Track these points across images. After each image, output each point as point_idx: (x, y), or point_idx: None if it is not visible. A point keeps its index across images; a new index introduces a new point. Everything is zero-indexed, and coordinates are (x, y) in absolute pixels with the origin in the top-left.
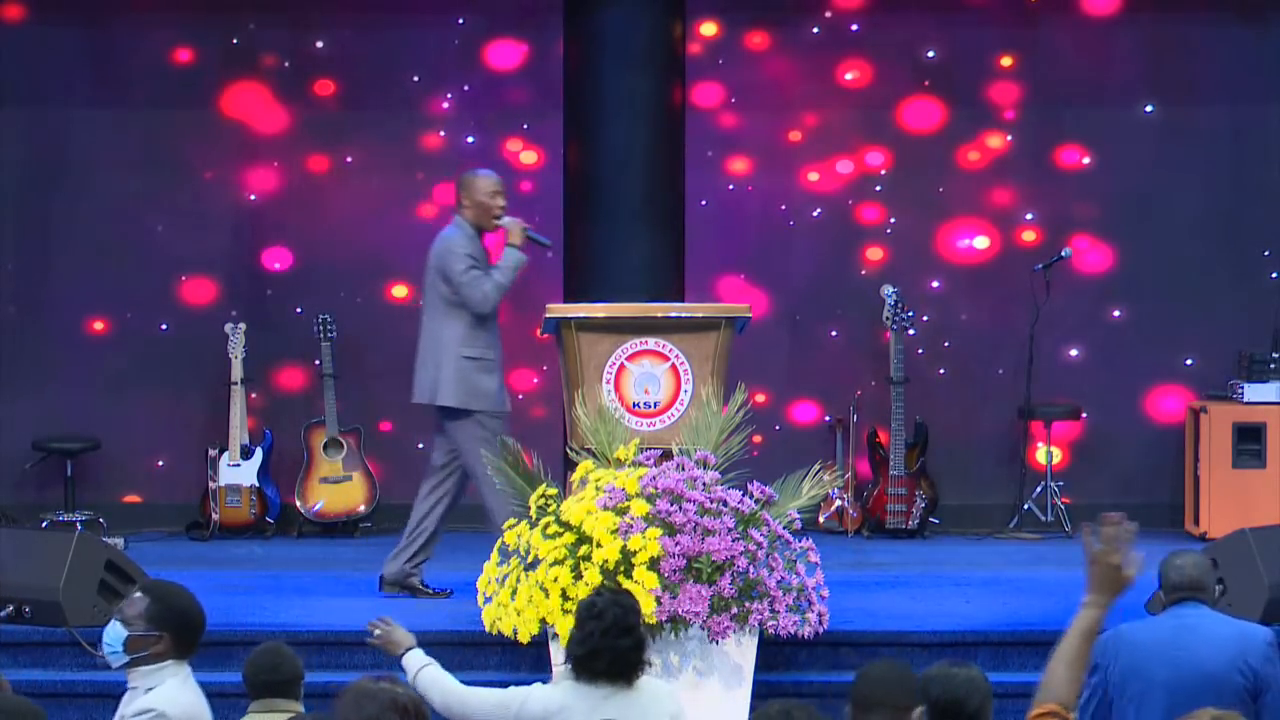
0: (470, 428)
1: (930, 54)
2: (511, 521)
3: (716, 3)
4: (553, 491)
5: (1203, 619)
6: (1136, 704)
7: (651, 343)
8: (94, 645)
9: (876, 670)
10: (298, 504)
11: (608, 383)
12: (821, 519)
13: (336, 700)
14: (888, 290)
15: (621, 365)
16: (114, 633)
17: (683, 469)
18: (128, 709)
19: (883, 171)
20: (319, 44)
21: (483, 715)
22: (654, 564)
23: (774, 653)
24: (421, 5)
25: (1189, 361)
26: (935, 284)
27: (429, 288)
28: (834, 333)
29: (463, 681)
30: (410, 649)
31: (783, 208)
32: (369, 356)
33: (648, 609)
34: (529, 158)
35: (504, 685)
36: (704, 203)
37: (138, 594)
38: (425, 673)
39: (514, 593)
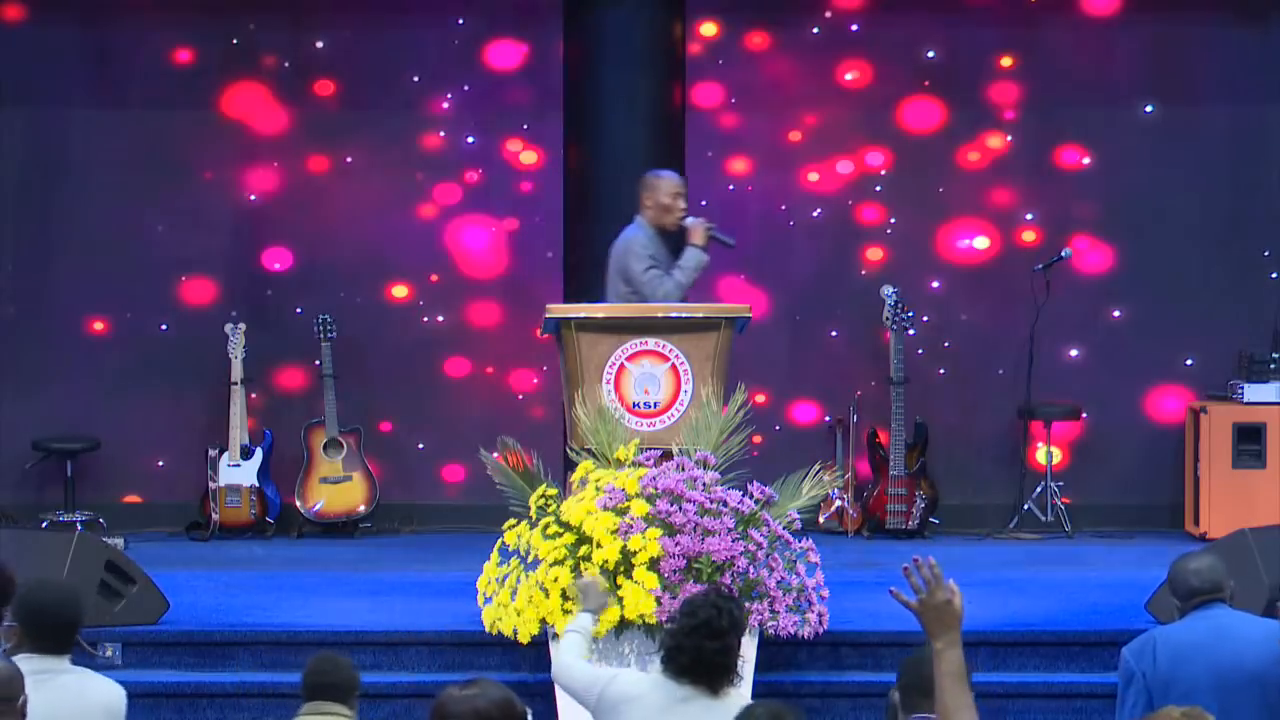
0: None
1: (930, 54)
2: (511, 522)
3: (716, 3)
4: (553, 491)
5: (1233, 619)
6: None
7: (651, 343)
8: (94, 645)
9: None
10: (298, 504)
11: (608, 383)
12: (821, 519)
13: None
14: (888, 290)
15: (621, 365)
16: None
17: (683, 469)
18: None
19: (883, 171)
20: (319, 44)
21: (578, 687)
22: (654, 564)
23: (774, 653)
24: (421, 5)
25: (1189, 361)
26: (935, 284)
27: (609, 287)
28: (834, 333)
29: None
30: (588, 611)
31: (783, 208)
32: (369, 356)
33: (648, 609)
34: (529, 158)
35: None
36: (704, 203)
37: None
38: (570, 636)
39: (514, 593)
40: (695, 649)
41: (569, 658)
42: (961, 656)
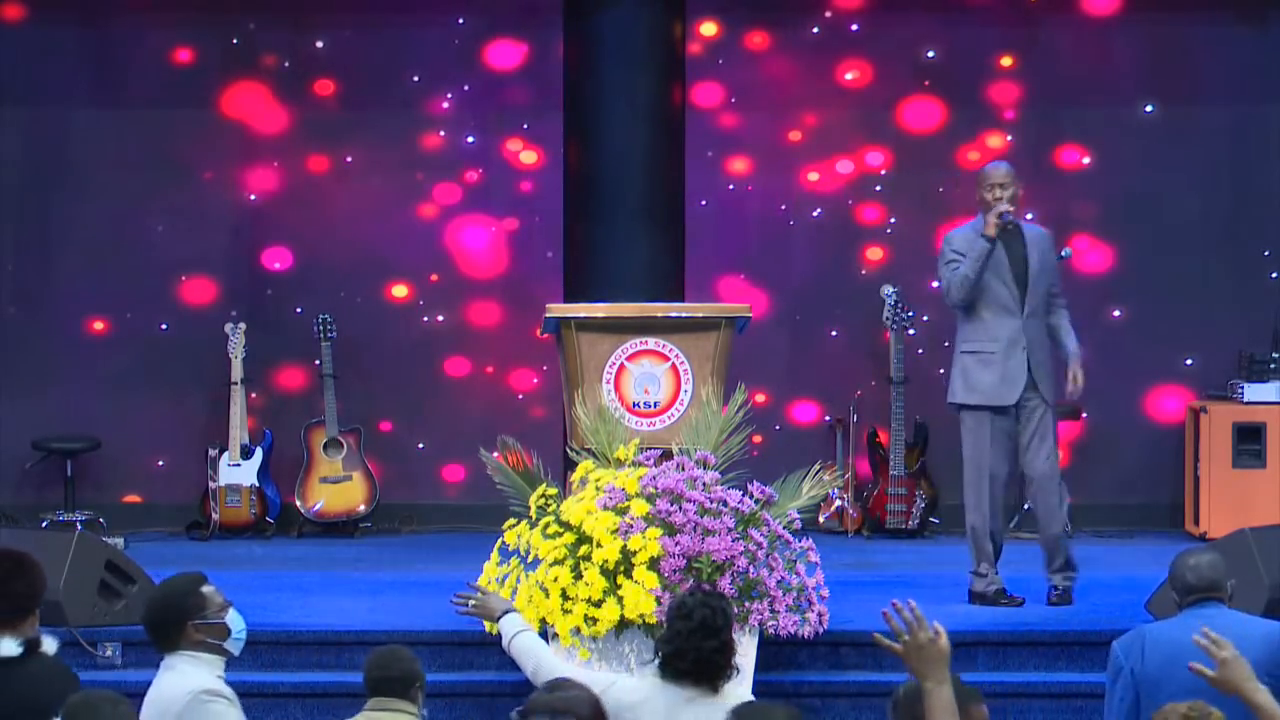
0: (964, 421)
1: (930, 54)
2: (511, 521)
3: (716, 3)
4: (553, 491)
5: (1226, 620)
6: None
7: (651, 343)
8: (94, 645)
9: None
10: (298, 504)
11: (608, 383)
12: (821, 519)
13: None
14: (888, 290)
15: (621, 365)
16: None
17: (683, 469)
18: None
19: (883, 171)
20: (319, 44)
21: None
22: (654, 564)
23: (774, 653)
24: (421, 5)
25: (1189, 361)
26: (935, 284)
27: None
28: (834, 333)
29: (463, 681)
30: (507, 612)
31: (783, 208)
32: (369, 356)
33: (648, 609)
34: (529, 158)
35: (504, 685)
36: (704, 203)
37: None
38: (521, 638)
39: (514, 593)
40: (695, 650)
41: (548, 657)
42: (951, 694)
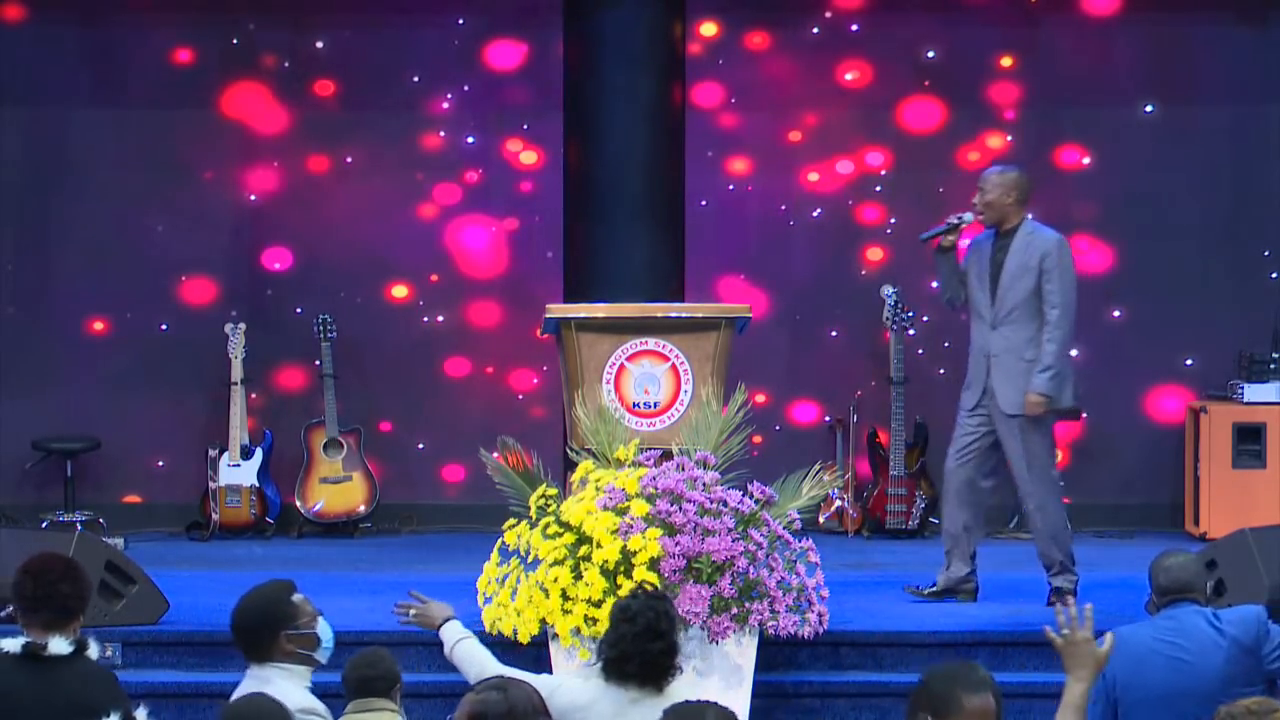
0: None
1: (930, 54)
2: (511, 522)
3: (716, 3)
4: (553, 491)
5: (1195, 623)
6: (1139, 710)
7: (651, 343)
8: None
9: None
10: (298, 504)
11: (608, 383)
12: (821, 519)
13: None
14: (888, 290)
15: (621, 365)
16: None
17: (683, 469)
18: None
19: (883, 171)
20: (319, 44)
21: None
22: (654, 564)
23: (774, 653)
24: (421, 5)
25: (1189, 361)
26: (935, 284)
27: None
28: (834, 333)
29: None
30: (448, 619)
31: (783, 208)
32: (369, 356)
33: None
34: (529, 158)
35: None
36: (704, 203)
37: None
38: (462, 645)
39: (514, 593)
40: (642, 653)
41: (491, 663)
42: (1085, 694)
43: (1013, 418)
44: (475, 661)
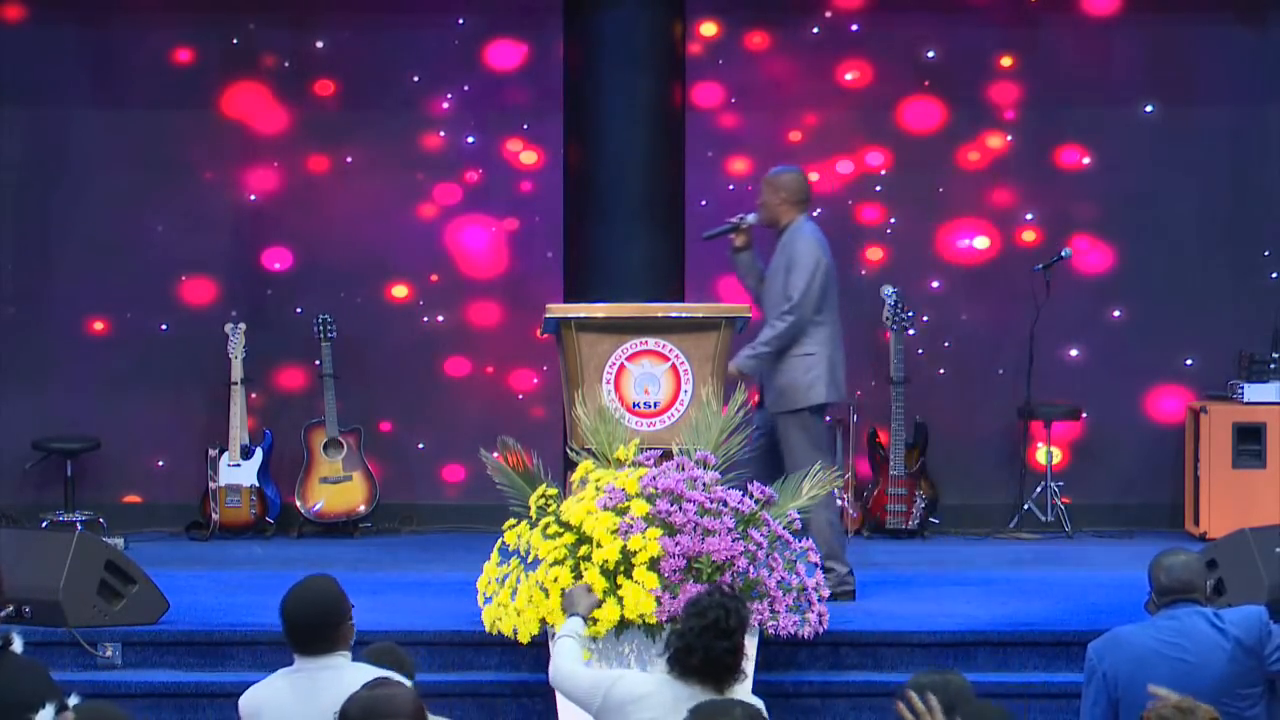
0: None
1: (930, 54)
2: (511, 522)
3: (716, 3)
4: (553, 491)
5: (1195, 623)
6: (1140, 710)
7: (651, 343)
8: (94, 645)
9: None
10: (298, 504)
11: (608, 383)
12: None
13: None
14: (888, 290)
15: (621, 365)
16: None
17: (683, 469)
18: None
19: (883, 171)
20: (319, 44)
21: (579, 694)
22: (654, 564)
23: (774, 653)
24: (421, 5)
25: (1189, 361)
26: (935, 284)
27: None
28: None
29: (463, 681)
30: (575, 616)
31: None
32: (369, 356)
33: (648, 609)
34: (529, 158)
35: (504, 685)
36: (704, 203)
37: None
38: (562, 641)
39: (514, 593)
40: (705, 649)
41: (568, 663)
42: None
43: (776, 414)
44: (556, 659)
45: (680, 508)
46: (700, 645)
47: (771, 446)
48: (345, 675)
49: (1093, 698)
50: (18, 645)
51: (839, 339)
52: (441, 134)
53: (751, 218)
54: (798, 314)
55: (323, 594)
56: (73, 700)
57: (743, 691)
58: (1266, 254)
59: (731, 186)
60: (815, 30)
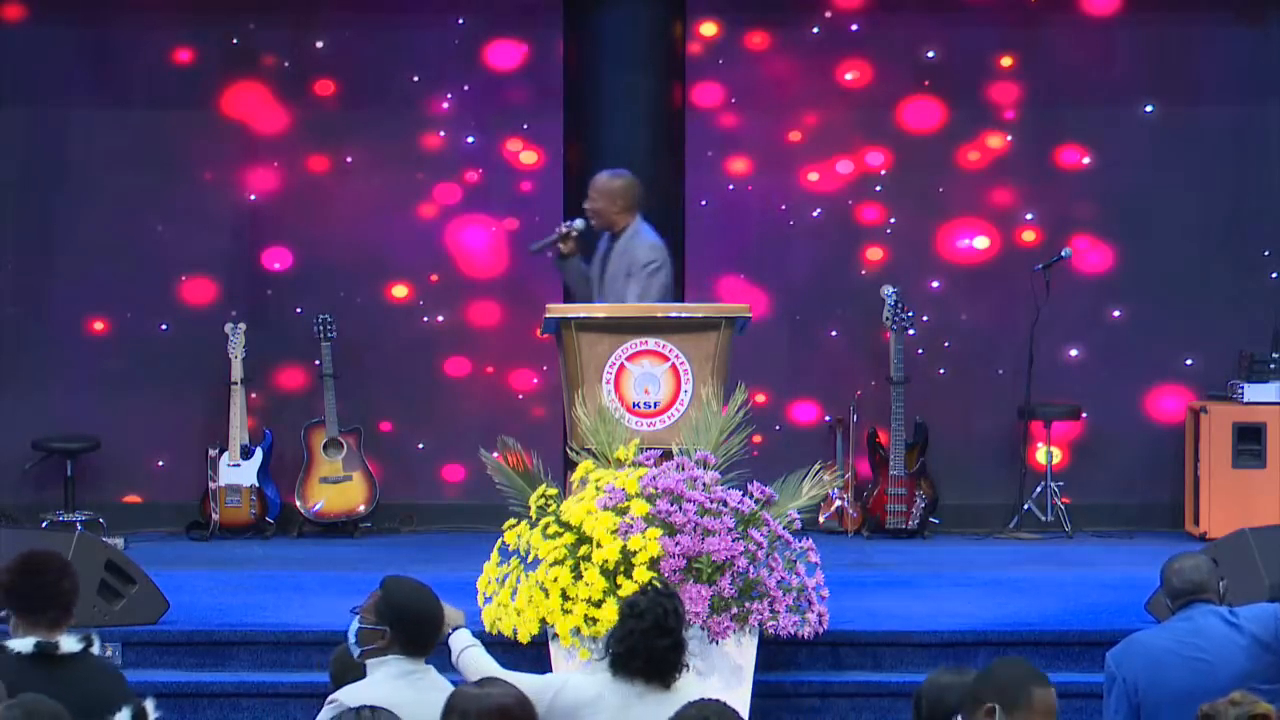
0: None
1: (930, 54)
2: (511, 522)
3: (716, 3)
4: (553, 491)
5: (1210, 623)
6: (1161, 712)
7: (651, 343)
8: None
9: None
10: (298, 504)
11: (608, 383)
12: (821, 519)
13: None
14: (888, 290)
15: (621, 365)
16: (352, 626)
17: (683, 469)
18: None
19: (883, 171)
20: (319, 44)
21: None
22: (654, 564)
23: (774, 653)
24: (421, 5)
25: (1189, 361)
26: (935, 284)
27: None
28: (834, 333)
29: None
30: (458, 628)
31: (783, 208)
32: (369, 356)
33: None
34: (529, 158)
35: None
36: (704, 203)
37: (378, 589)
38: (468, 654)
39: (514, 593)
40: (649, 649)
41: (494, 670)
42: None
43: None
44: (478, 670)
45: (680, 508)
46: (643, 647)
47: None
48: (437, 685)
49: (1114, 705)
50: (96, 647)
51: None
52: (441, 134)
53: (580, 224)
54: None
55: (425, 595)
56: (149, 704)
57: (687, 681)
58: (1266, 254)
59: (731, 186)
60: (815, 30)
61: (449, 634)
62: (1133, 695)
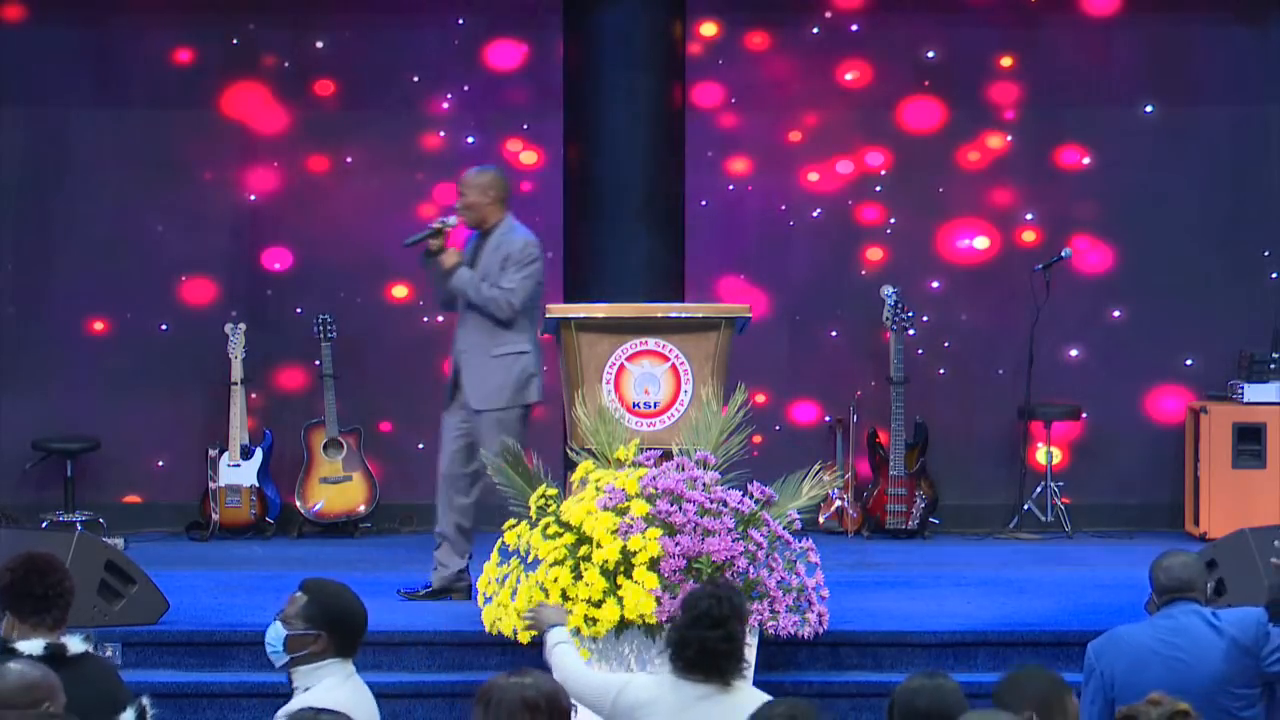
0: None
1: (930, 54)
2: (511, 522)
3: (716, 3)
4: (553, 491)
5: (1193, 622)
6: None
7: (651, 343)
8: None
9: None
10: (298, 504)
11: (608, 383)
12: (821, 519)
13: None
14: (888, 290)
15: (621, 365)
16: (274, 632)
17: (683, 469)
18: (286, 710)
19: (883, 171)
20: (319, 44)
21: (588, 697)
22: (654, 564)
23: (774, 653)
24: (421, 5)
25: (1189, 361)
26: (935, 284)
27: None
28: (834, 333)
29: (463, 681)
30: (555, 626)
31: (783, 208)
32: (369, 356)
33: (648, 609)
34: (529, 158)
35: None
36: (704, 203)
37: (298, 592)
38: (558, 649)
39: (514, 593)
40: (699, 640)
41: (573, 667)
42: None
43: (479, 413)
44: (559, 665)
45: (680, 508)
46: (693, 637)
47: (469, 448)
48: (358, 684)
49: (1090, 696)
50: (94, 647)
51: (539, 341)
52: (441, 134)
53: (454, 220)
54: (518, 300)
55: (351, 598)
56: (145, 701)
57: (748, 685)
58: (1266, 254)
59: (731, 186)
60: (815, 30)
61: (547, 630)
62: (1109, 689)
